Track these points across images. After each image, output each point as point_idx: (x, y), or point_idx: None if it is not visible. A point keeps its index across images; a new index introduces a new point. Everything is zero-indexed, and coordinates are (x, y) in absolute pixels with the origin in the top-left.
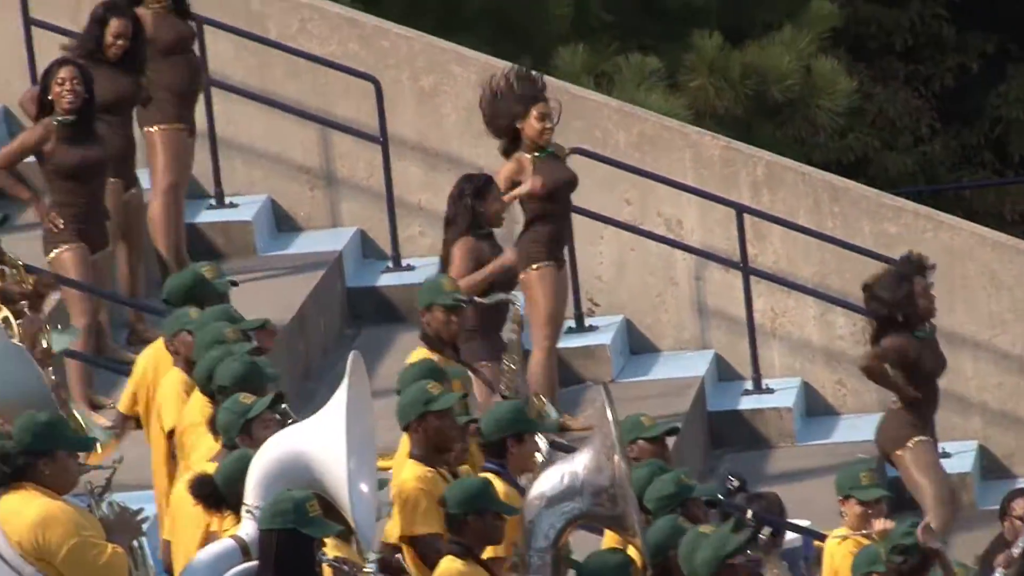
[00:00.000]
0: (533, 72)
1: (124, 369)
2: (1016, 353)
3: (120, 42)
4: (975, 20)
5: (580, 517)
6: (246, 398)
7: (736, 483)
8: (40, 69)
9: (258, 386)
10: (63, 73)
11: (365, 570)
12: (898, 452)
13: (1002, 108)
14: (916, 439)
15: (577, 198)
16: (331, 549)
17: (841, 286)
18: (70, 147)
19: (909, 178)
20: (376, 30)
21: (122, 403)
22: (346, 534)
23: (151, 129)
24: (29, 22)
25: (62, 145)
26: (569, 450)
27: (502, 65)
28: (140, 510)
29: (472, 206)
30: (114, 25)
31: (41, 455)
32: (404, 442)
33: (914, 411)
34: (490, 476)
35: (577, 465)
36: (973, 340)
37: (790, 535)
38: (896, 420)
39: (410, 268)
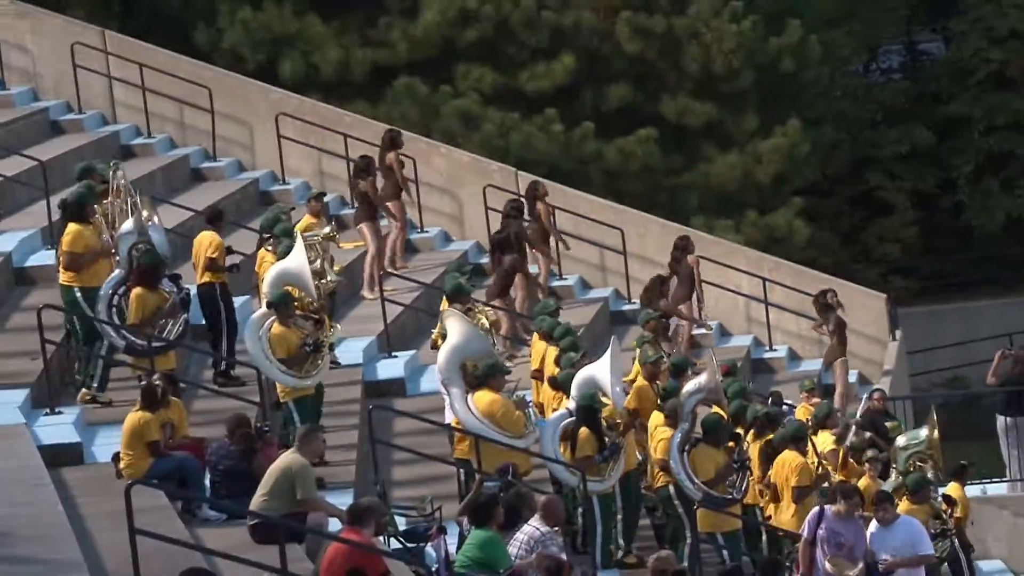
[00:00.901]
0: None
1: None
2: None
3: None
4: None
5: (701, 400)
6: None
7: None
8: None
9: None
10: None
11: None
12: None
13: None
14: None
15: None
16: (606, 411)
17: None
18: None
19: None
20: None
21: None
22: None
23: None
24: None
25: None
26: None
27: None
28: (528, 398)
29: None
30: None
31: (491, 376)
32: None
33: None
34: None
35: (702, 380)
36: None
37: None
38: None
39: None
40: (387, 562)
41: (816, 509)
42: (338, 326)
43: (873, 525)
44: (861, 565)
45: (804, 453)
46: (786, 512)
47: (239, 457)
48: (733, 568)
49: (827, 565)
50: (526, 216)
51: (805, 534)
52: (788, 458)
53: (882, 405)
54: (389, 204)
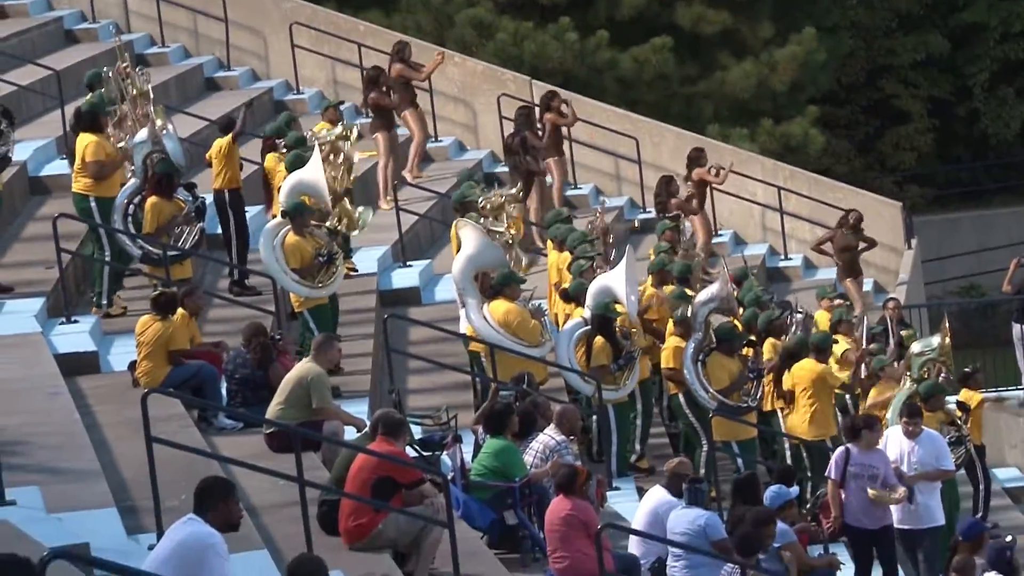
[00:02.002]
0: None
1: None
2: None
3: None
4: None
5: (714, 309)
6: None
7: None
8: None
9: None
10: None
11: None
12: None
13: None
14: None
15: None
16: (620, 320)
17: None
18: None
19: None
20: None
21: None
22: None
23: None
24: None
25: None
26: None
27: None
28: (543, 306)
29: None
30: None
31: (506, 285)
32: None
33: None
34: None
35: (713, 288)
36: None
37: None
38: None
39: None
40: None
41: (840, 450)
42: (363, 210)
43: (894, 434)
44: (903, 489)
45: (824, 363)
46: (800, 419)
47: (255, 366)
48: (748, 475)
49: (870, 494)
50: (538, 124)
51: (832, 475)
52: (806, 366)
53: (897, 314)
54: (407, 113)
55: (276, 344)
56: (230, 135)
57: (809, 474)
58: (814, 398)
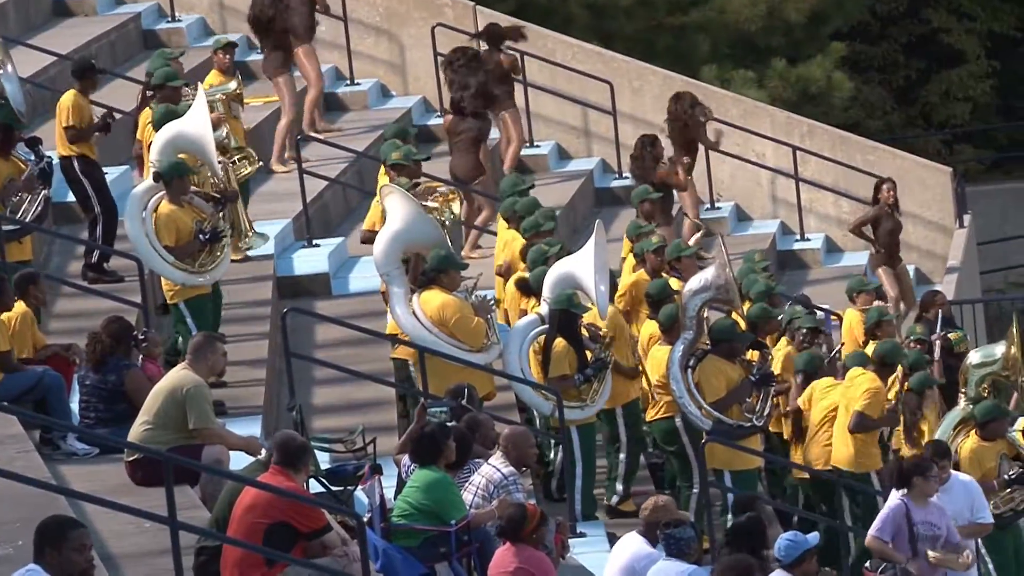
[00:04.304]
0: None
1: None
2: None
3: None
4: None
5: (710, 300)
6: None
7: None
8: None
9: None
10: None
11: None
12: None
13: None
14: None
15: None
16: (587, 317)
17: None
18: None
19: None
20: None
21: None
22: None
23: None
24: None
25: None
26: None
27: None
28: (491, 299)
29: None
30: None
31: (442, 272)
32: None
33: None
34: None
35: (707, 274)
36: None
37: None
38: None
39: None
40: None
41: (898, 504)
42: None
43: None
44: (968, 551)
45: (884, 381)
46: (838, 444)
47: (92, 367)
48: (750, 519)
49: (931, 557)
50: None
51: (883, 536)
52: (862, 378)
53: (946, 310)
54: (300, 50)
55: (139, 345)
56: (74, 88)
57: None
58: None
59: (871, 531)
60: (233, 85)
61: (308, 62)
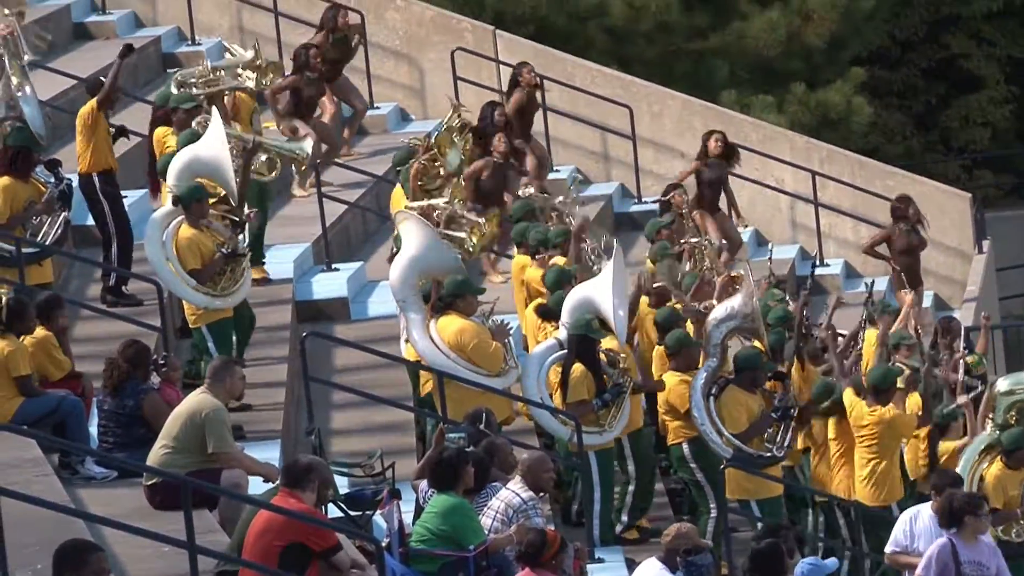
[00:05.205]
0: None
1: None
2: None
3: None
4: None
5: (735, 329)
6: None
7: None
8: None
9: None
10: None
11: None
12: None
13: None
14: None
15: None
16: (606, 342)
17: None
18: None
19: None
20: None
21: None
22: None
23: None
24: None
25: None
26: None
27: None
28: (508, 323)
29: None
30: None
31: (459, 297)
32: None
33: None
34: None
35: (734, 302)
36: None
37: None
38: None
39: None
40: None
41: (945, 543)
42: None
43: (924, 518)
44: None
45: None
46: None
47: (110, 392)
48: (770, 545)
49: None
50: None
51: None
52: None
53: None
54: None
55: (159, 369)
56: (94, 100)
57: (849, 542)
58: (878, 452)
59: (918, 570)
60: (250, 54)
61: (328, 101)
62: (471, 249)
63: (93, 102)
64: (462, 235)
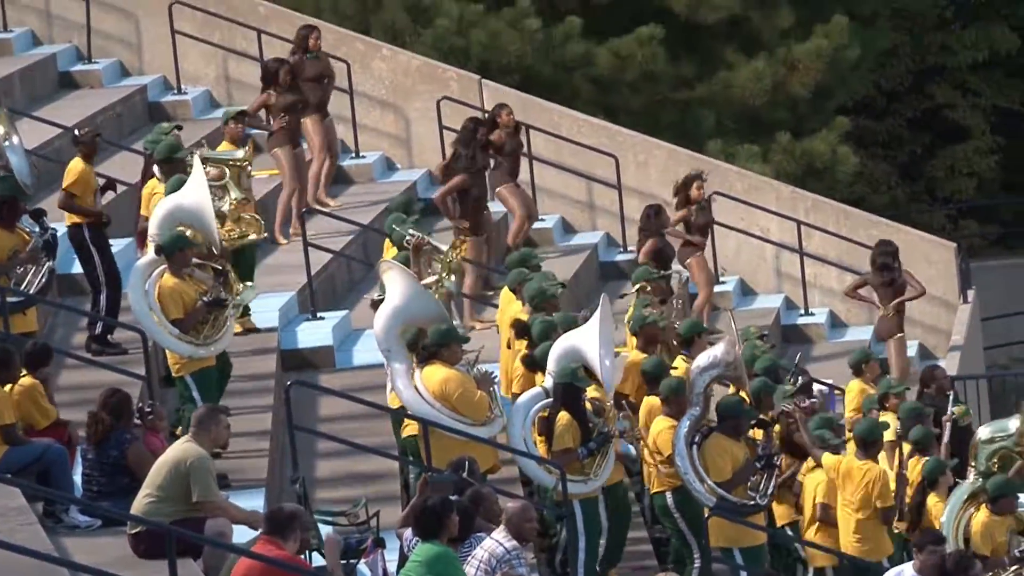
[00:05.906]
0: None
1: None
2: None
3: None
4: None
5: (718, 376)
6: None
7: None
8: None
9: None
10: None
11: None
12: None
13: None
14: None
15: None
16: (591, 391)
17: None
18: None
19: None
20: None
21: None
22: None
23: None
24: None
25: None
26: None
27: None
28: (492, 372)
29: None
30: None
31: (443, 346)
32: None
33: None
34: None
35: (717, 351)
36: None
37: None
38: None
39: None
40: None
41: None
42: (250, 284)
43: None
44: None
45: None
46: (843, 529)
47: (94, 443)
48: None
49: None
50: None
51: None
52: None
53: (946, 385)
54: (307, 120)
55: (144, 418)
56: (78, 156)
57: None
58: (864, 506)
59: None
60: (240, 153)
61: (315, 133)
62: (448, 288)
63: (78, 158)
64: (435, 277)
